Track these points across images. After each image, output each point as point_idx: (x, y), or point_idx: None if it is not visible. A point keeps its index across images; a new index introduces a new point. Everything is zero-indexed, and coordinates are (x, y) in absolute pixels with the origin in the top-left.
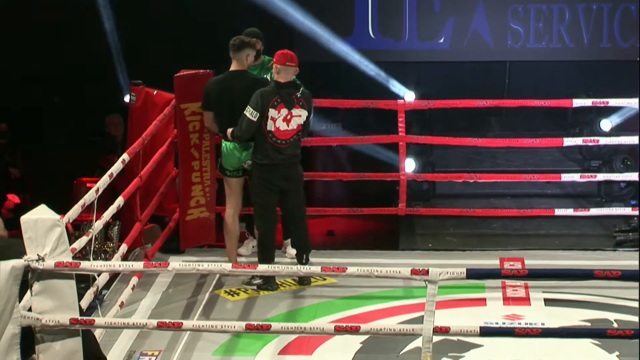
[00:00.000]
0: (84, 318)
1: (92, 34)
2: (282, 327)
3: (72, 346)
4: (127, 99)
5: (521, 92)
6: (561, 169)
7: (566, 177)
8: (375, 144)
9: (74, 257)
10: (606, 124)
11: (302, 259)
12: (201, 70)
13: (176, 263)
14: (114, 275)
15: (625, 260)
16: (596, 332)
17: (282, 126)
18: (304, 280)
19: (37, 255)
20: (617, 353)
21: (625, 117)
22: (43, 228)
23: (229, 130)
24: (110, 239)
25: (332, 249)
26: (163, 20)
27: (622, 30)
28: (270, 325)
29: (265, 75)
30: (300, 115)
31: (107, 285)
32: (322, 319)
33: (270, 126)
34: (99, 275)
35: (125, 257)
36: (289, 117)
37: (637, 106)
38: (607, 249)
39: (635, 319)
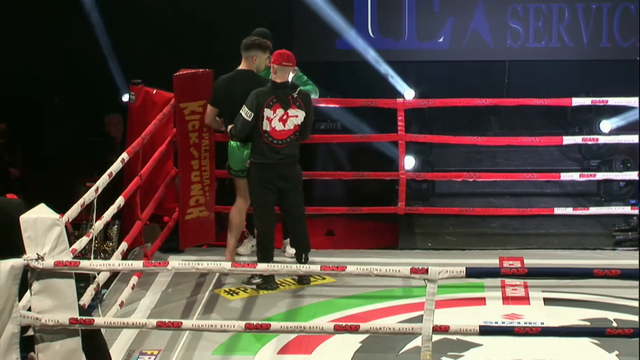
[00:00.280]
0: (84, 318)
1: (89, 33)
2: (281, 327)
3: (71, 346)
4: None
5: (520, 92)
6: (560, 168)
7: (565, 176)
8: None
9: (74, 257)
10: (606, 125)
11: (301, 258)
12: (200, 70)
13: (176, 262)
14: (113, 275)
15: (624, 259)
16: (595, 332)
17: (278, 126)
18: (303, 280)
19: (37, 254)
20: (616, 352)
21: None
22: (42, 227)
23: (229, 128)
24: (110, 239)
25: (331, 248)
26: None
27: (621, 30)
28: (270, 324)
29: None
30: (297, 116)
31: (107, 285)
32: (322, 318)
33: (265, 126)
34: (98, 274)
35: (124, 256)
36: (285, 117)
37: (637, 106)
38: (606, 248)
39: (634, 318)
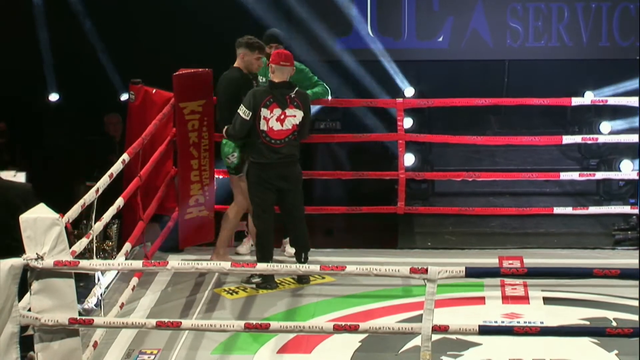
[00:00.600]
0: (83, 318)
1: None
2: (281, 326)
3: (71, 345)
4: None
5: (520, 91)
6: (560, 167)
7: (565, 176)
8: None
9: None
10: (606, 127)
11: (300, 257)
12: (200, 69)
13: (175, 262)
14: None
15: (624, 258)
16: (595, 331)
17: (276, 126)
18: (302, 279)
19: (36, 254)
20: (616, 352)
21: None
22: (42, 227)
23: (225, 127)
24: (109, 238)
25: (331, 248)
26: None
27: (621, 29)
28: (269, 324)
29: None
30: (294, 116)
31: (107, 285)
32: (321, 317)
33: (263, 126)
34: (103, 274)
35: (125, 256)
36: (282, 117)
37: (637, 106)
38: (606, 247)
39: (634, 317)
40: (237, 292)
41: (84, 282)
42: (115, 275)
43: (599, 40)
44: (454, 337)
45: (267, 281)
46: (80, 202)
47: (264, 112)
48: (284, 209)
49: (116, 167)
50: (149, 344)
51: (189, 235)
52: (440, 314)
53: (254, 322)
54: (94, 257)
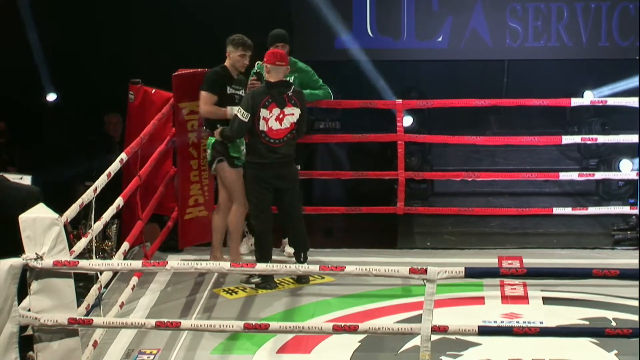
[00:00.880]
0: (82, 318)
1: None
2: (280, 327)
3: (70, 345)
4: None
5: (519, 91)
6: (559, 167)
7: (564, 176)
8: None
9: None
10: (627, 165)
11: (300, 257)
12: (199, 70)
13: (175, 262)
14: (113, 274)
15: (623, 258)
16: (594, 332)
17: (275, 125)
18: (302, 279)
19: (36, 254)
20: (615, 351)
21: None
22: (41, 227)
23: (220, 129)
24: (109, 238)
25: (330, 248)
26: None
27: (620, 29)
28: (269, 324)
29: (288, 78)
30: (293, 114)
31: (106, 284)
32: (321, 317)
33: (262, 126)
34: (101, 274)
35: (124, 256)
36: (281, 116)
37: (637, 106)
38: (605, 247)
39: (633, 317)
40: (236, 292)
41: (84, 282)
42: (115, 275)
43: (598, 40)
44: (453, 337)
45: (267, 281)
46: (79, 201)
47: (264, 112)
48: (282, 208)
49: (114, 167)
50: (149, 344)
51: (189, 235)
52: (440, 314)
53: (254, 322)
54: (93, 257)
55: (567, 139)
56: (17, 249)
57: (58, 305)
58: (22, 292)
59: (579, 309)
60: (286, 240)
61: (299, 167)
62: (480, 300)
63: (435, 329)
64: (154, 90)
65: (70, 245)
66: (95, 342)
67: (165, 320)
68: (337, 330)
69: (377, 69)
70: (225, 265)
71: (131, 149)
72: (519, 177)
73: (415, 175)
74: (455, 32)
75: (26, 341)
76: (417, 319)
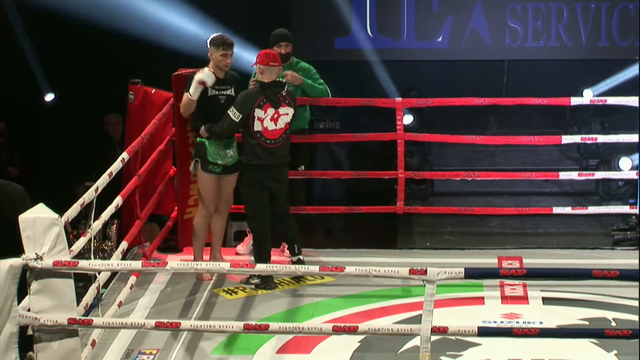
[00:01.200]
0: (82, 318)
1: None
2: (280, 327)
3: (70, 345)
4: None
5: (519, 91)
6: (559, 167)
7: (564, 175)
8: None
9: (73, 256)
10: (626, 163)
11: (294, 250)
12: (199, 69)
13: (174, 262)
14: (112, 274)
15: (623, 259)
16: (594, 333)
17: (270, 126)
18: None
19: (36, 254)
20: (615, 352)
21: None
22: (41, 227)
23: (205, 126)
24: (109, 238)
25: (330, 248)
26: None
27: (620, 29)
28: (269, 325)
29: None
30: (287, 114)
31: (106, 284)
32: (320, 317)
33: (257, 126)
34: (99, 274)
35: (124, 255)
36: (276, 116)
37: (637, 105)
38: (605, 247)
39: (633, 317)
40: (236, 293)
41: (83, 282)
42: (115, 275)
43: (598, 40)
44: (453, 337)
45: (266, 282)
46: (80, 201)
47: (258, 112)
48: (272, 210)
49: (115, 166)
50: (148, 344)
51: (189, 236)
52: (440, 314)
53: (253, 322)
54: (93, 257)
55: (567, 139)
56: (9, 248)
57: (58, 305)
58: (22, 292)
59: (579, 309)
60: None
61: (302, 167)
62: (480, 300)
63: (435, 330)
64: (154, 90)
65: (70, 245)
66: (94, 341)
67: (165, 320)
68: (337, 330)
69: (377, 69)
70: (225, 265)
71: (132, 148)
72: (518, 176)
73: (415, 174)
74: (455, 32)
75: (26, 341)
76: (417, 319)
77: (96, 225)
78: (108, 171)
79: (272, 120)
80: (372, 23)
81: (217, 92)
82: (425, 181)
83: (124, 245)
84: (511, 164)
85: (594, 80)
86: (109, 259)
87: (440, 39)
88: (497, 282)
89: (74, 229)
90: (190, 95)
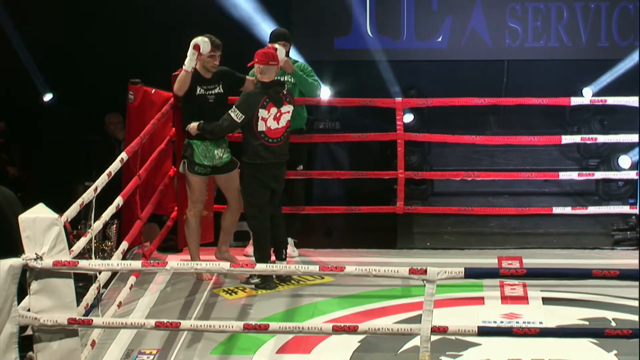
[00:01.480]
0: (82, 318)
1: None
2: (280, 327)
3: (70, 345)
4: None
5: (519, 91)
6: (559, 167)
7: (564, 176)
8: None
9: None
10: (625, 161)
11: (282, 254)
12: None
13: (174, 262)
14: (112, 274)
15: (623, 259)
16: (594, 332)
17: (273, 125)
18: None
19: (35, 254)
20: (615, 352)
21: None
22: (41, 227)
23: (199, 123)
24: (109, 238)
25: (330, 248)
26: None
27: (620, 29)
28: (268, 325)
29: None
30: (288, 112)
31: (106, 284)
32: (320, 317)
33: (261, 126)
34: (99, 274)
35: (124, 256)
36: (278, 115)
37: (637, 105)
38: (605, 247)
39: (633, 317)
40: (236, 293)
41: (83, 282)
42: (115, 275)
43: (598, 41)
44: (453, 337)
45: (266, 282)
46: (79, 201)
47: (262, 112)
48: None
49: (115, 166)
50: (148, 344)
51: None
52: (439, 314)
53: (253, 322)
54: (93, 257)
55: (566, 139)
56: (5, 246)
57: (58, 305)
58: (22, 292)
59: (579, 309)
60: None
61: (301, 167)
62: (480, 300)
63: (435, 330)
64: (153, 90)
65: (70, 246)
66: (94, 341)
67: (165, 320)
68: (337, 330)
69: (377, 69)
70: (224, 265)
71: (131, 148)
72: (518, 177)
73: (415, 174)
74: (454, 32)
75: (26, 341)
76: (417, 319)
77: (96, 225)
78: (107, 171)
79: (275, 119)
80: (372, 23)
81: (204, 92)
82: (425, 181)
83: (124, 245)
84: (511, 164)
85: (593, 80)
86: (109, 259)
87: (440, 39)
88: (497, 282)
89: (74, 229)
90: (185, 67)
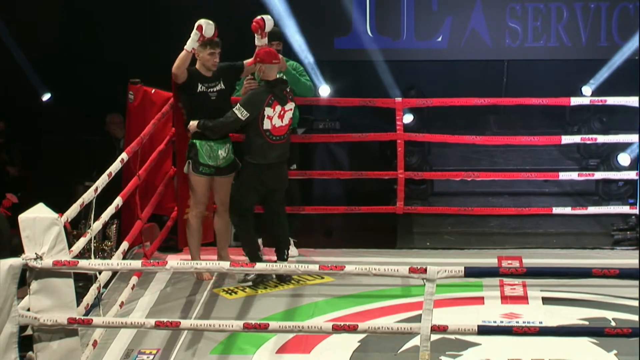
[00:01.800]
0: (82, 317)
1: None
2: (280, 326)
3: (70, 345)
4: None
5: (519, 91)
6: (559, 167)
7: (564, 176)
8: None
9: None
10: (624, 158)
11: (283, 254)
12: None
13: (174, 262)
14: (112, 274)
15: (623, 258)
16: (594, 331)
17: (278, 123)
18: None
19: (35, 254)
20: (615, 351)
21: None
22: (41, 227)
23: (196, 122)
24: (108, 238)
25: (330, 248)
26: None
27: (620, 29)
28: (268, 324)
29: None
30: (291, 109)
31: (106, 284)
32: (320, 317)
33: (267, 125)
34: (100, 274)
35: (124, 256)
36: (282, 112)
37: (637, 105)
38: (605, 247)
39: (633, 317)
40: (236, 292)
41: (83, 282)
42: (115, 275)
43: (597, 41)
44: (452, 336)
45: (263, 275)
46: (79, 201)
47: (268, 111)
48: (270, 207)
49: (115, 166)
50: (148, 344)
51: None
52: (439, 314)
53: (253, 322)
54: (93, 257)
55: (566, 139)
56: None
57: (58, 305)
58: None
59: (579, 309)
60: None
61: (294, 166)
62: (479, 300)
63: (435, 329)
64: (153, 90)
65: (70, 245)
66: (95, 341)
67: (165, 320)
68: (337, 330)
69: (377, 69)
70: (224, 265)
71: (131, 148)
72: (518, 177)
73: (415, 175)
74: (454, 32)
75: (26, 341)
76: (417, 318)
77: (96, 225)
78: (107, 171)
79: (280, 117)
80: (372, 23)
81: (206, 89)
82: (425, 181)
83: (124, 245)
84: (511, 164)
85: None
86: (109, 259)
87: (440, 39)
88: (496, 282)
89: (74, 229)
90: (186, 46)
